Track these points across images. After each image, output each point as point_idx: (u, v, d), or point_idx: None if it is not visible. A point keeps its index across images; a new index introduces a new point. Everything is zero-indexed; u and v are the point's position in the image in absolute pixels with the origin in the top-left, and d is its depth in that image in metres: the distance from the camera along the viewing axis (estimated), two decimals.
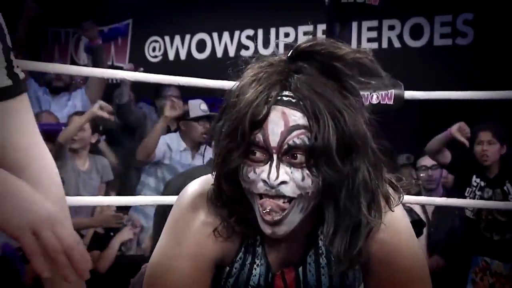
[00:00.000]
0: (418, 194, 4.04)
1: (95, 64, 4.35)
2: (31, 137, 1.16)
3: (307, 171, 1.09)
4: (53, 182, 1.17)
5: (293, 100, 1.08)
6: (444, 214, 4.09)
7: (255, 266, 1.23)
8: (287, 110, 1.08)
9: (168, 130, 4.40)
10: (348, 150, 1.09)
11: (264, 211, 1.11)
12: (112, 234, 3.80)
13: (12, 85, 1.12)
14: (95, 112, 3.69)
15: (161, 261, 1.20)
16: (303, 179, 1.09)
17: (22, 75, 1.16)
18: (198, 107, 4.07)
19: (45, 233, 0.89)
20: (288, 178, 1.09)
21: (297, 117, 1.08)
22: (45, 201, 0.93)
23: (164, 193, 3.22)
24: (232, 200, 1.17)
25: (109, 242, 3.74)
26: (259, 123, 1.08)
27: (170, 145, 4.10)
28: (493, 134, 3.67)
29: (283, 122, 1.08)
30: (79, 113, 3.90)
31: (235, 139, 1.09)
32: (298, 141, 1.07)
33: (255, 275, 1.23)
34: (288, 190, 1.09)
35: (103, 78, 4.33)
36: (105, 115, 3.71)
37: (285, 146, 1.08)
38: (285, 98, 1.09)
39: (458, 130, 3.61)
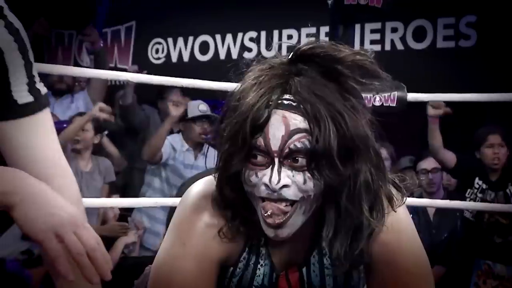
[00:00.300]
0: (419, 197, 4.03)
1: (97, 66, 4.37)
2: (52, 150, 1.18)
3: (309, 174, 1.09)
4: (72, 191, 1.19)
5: (294, 104, 1.08)
6: (446, 216, 4.09)
7: (259, 266, 1.23)
8: (287, 114, 1.08)
9: (171, 131, 4.40)
10: (349, 152, 1.09)
11: (265, 214, 1.11)
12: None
13: (34, 101, 1.15)
14: (95, 113, 3.74)
15: (166, 261, 1.20)
16: (304, 182, 1.09)
17: (44, 90, 1.18)
18: (196, 107, 4.08)
19: (69, 236, 0.91)
20: (290, 181, 1.09)
21: (297, 121, 1.08)
22: (67, 204, 0.95)
23: (178, 194, 3.23)
24: (235, 203, 1.17)
25: (112, 244, 3.74)
26: (260, 127, 1.08)
27: (174, 146, 4.11)
28: (502, 137, 3.69)
29: (284, 126, 1.08)
30: (82, 114, 3.93)
31: (236, 143, 1.09)
32: (299, 145, 1.08)
33: (259, 275, 1.23)
34: (290, 193, 1.09)
35: (106, 79, 4.35)
36: (105, 116, 3.76)
37: (286, 150, 1.08)
38: (285, 102, 1.09)
39: (432, 108, 3.54)
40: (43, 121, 1.17)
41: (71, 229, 0.91)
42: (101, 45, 4.62)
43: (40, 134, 1.16)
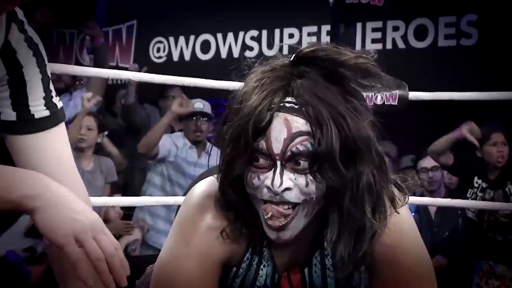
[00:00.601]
0: (421, 195, 4.04)
1: (97, 64, 4.37)
2: (66, 164, 1.19)
3: (311, 177, 1.09)
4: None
5: (296, 106, 1.08)
6: (447, 215, 4.09)
7: (261, 267, 1.23)
8: (289, 117, 1.08)
9: (172, 131, 4.41)
10: (351, 154, 1.09)
11: (266, 216, 1.11)
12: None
13: (50, 115, 1.15)
14: (86, 107, 3.75)
15: (169, 261, 1.20)
16: (307, 185, 1.09)
17: (60, 104, 1.18)
18: (192, 105, 4.07)
19: (89, 242, 0.91)
20: (292, 184, 1.09)
21: (300, 124, 1.08)
22: (88, 209, 0.96)
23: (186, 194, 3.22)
24: (237, 205, 1.17)
25: None
26: (262, 130, 1.08)
27: (176, 143, 4.10)
28: (505, 135, 3.70)
29: (286, 129, 1.08)
30: None
31: (238, 146, 1.09)
32: (301, 148, 1.07)
33: (262, 276, 1.24)
34: (292, 196, 1.09)
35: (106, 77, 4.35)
36: (94, 102, 3.77)
37: (289, 153, 1.08)
38: (287, 105, 1.09)
39: (469, 131, 3.58)
40: (59, 135, 1.17)
41: (91, 234, 0.92)
42: (102, 41, 4.62)
43: (54, 148, 1.16)
